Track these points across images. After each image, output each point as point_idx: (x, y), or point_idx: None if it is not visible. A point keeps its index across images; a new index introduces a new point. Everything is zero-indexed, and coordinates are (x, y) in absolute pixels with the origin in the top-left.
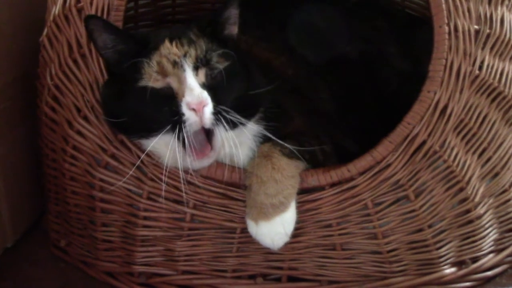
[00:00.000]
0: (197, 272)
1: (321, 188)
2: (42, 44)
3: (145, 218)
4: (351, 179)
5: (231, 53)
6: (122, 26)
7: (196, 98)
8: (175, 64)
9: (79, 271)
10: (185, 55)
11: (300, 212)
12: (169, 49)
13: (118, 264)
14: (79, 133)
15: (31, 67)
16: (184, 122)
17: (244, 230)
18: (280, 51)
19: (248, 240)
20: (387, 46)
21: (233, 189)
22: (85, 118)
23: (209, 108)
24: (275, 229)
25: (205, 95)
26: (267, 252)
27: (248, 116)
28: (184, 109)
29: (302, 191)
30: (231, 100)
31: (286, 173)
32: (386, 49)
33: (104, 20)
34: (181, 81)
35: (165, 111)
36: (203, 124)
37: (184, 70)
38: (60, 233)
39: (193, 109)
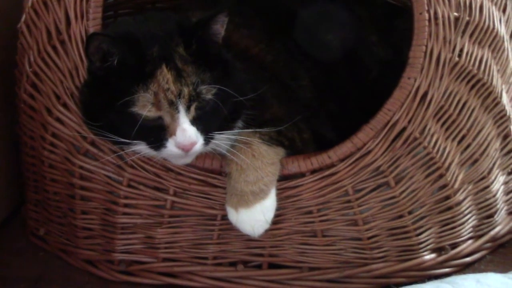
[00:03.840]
0: (178, 260)
1: (301, 175)
2: (20, 31)
3: (125, 205)
4: (332, 165)
5: (217, 74)
6: (102, 14)
7: (187, 139)
8: (171, 103)
9: (58, 260)
10: (179, 95)
11: (280, 199)
12: (167, 81)
13: (98, 252)
14: (59, 120)
15: (9, 54)
16: (166, 151)
17: (225, 217)
18: (259, 38)
19: (228, 227)
20: (368, 34)
21: (214, 176)
22: (65, 105)
23: (198, 145)
24: (255, 217)
25: (195, 136)
26: (248, 239)
27: (232, 122)
28: (171, 145)
29: (283, 178)
30: (218, 123)
31: (266, 160)
32: (367, 38)
33: (111, 36)
34: (174, 119)
35: (151, 140)
36: (187, 155)
37: (178, 112)
38: (39, 222)
39: (182, 148)
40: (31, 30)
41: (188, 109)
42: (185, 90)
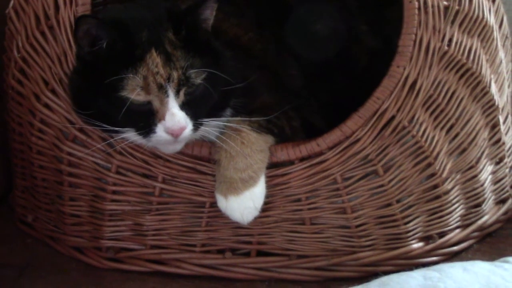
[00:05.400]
0: (166, 247)
1: (290, 163)
2: (8, 16)
3: (113, 192)
4: (321, 153)
5: (207, 60)
6: (91, 0)
7: (176, 124)
8: (160, 87)
9: (46, 246)
10: (168, 79)
11: (269, 186)
12: (157, 65)
13: (86, 239)
14: (47, 106)
15: None
16: (156, 136)
17: (213, 204)
18: (249, 27)
19: (217, 214)
20: (357, 24)
21: (202, 163)
22: (53, 91)
23: (188, 130)
24: (244, 204)
25: (185, 121)
26: (236, 226)
27: (222, 110)
28: (161, 130)
29: (272, 165)
30: (207, 110)
31: (255, 147)
32: (356, 27)
33: (99, 19)
34: (163, 103)
35: (141, 125)
36: (176, 141)
37: (167, 96)
38: (27, 208)
39: (171, 133)
40: (19, 16)
41: (177, 93)
42: (175, 74)
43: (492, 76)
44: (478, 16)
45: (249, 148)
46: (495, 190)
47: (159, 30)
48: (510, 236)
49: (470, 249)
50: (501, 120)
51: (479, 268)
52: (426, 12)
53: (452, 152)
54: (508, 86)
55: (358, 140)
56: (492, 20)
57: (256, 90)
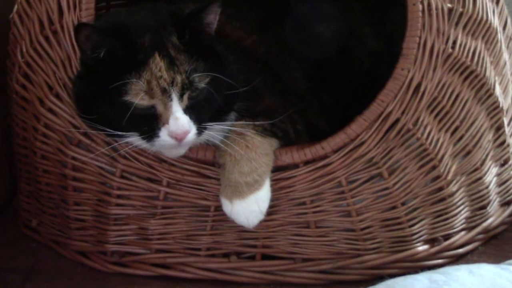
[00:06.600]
0: (171, 251)
1: (295, 166)
2: (12, 21)
3: (118, 196)
4: (325, 156)
5: (210, 64)
6: (95, 4)
7: (180, 128)
8: (164, 91)
9: (51, 251)
10: (172, 83)
11: (274, 190)
12: (160, 69)
13: (90, 243)
14: (51, 111)
15: (1, 45)
16: (160, 141)
17: (218, 208)
18: (251, 29)
19: (222, 218)
20: (360, 26)
21: (207, 167)
22: (57, 96)
23: (191, 134)
24: (249, 207)
25: (188, 125)
26: (241, 230)
27: (226, 114)
28: (164, 134)
29: (276, 169)
30: (211, 113)
31: (260, 151)
32: (359, 29)
33: (97, 27)
34: (167, 107)
35: (145, 129)
36: (180, 145)
37: (171, 100)
38: (32, 213)
39: (175, 137)
40: (23, 21)
41: (181, 97)
42: (178, 78)
43: (496, 78)
44: (482, 18)
45: (253, 151)
46: (500, 192)
47: (162, 34)
48: None
49: (476, 252)
50: (506, 122)
51: (485, 271)
52: (430, 15)
53: (456, 155)
54: None
55: (362, 143)
56: (496, 22)
57: (259, 93)
